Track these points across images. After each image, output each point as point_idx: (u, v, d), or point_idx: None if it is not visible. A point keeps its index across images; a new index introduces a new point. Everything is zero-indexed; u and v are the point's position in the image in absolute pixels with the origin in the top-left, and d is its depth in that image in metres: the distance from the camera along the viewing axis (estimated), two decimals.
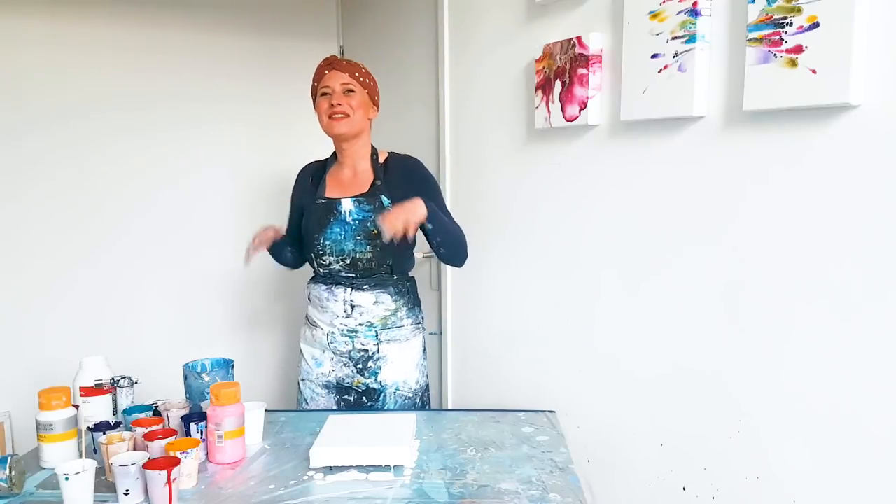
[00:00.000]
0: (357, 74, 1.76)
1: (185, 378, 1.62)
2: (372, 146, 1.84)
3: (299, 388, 1.89)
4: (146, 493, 1.23)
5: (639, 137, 1.53)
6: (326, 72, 1.76)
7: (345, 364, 1.81)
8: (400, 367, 1.82)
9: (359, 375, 1.81)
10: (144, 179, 2.54)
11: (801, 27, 1.12)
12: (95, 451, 1.41)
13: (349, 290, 1.78)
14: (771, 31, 1.17)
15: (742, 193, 1.30)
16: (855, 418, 1.15)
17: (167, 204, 2.59)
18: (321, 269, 1.82)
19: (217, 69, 2.65)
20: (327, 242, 1.77)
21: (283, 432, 1.59)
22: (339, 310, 1.79)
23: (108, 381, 1.57)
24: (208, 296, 2.72)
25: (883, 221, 1.09)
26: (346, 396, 1.83)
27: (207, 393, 1.53)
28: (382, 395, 1.81)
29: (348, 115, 1.74)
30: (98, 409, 1.53)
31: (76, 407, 1.48)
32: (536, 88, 1.77)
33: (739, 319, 1.33)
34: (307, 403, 1.86)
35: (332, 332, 1.81)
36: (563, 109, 1.68)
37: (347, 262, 1.77)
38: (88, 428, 1.44)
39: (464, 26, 2.12)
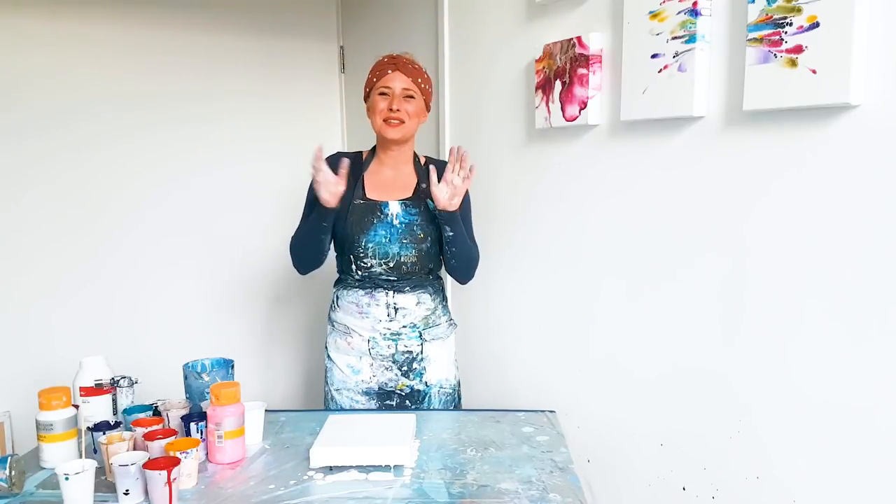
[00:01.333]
0: (420, 80, 1.73)
1: (185, 378, 1.62)
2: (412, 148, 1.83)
3: (331, 398, 1.83)
4: (146, 493, 1.23)
5: (639, 137, 1.53)
6: (389, 71, 1.71)
7: (387, 368, 1.78)
8: (442, 364, 1.82)
9: (403, 378, 1.79)
10: (145, 180, 2.54)
11: (801, 27, 1.12)
12: (95, 451, 1.41)
13: (391, 292, 1.75)
14: (771, 31, 1.17)
15: (742, 193, 1.30)
16: (855, 418, 1.15)
17: (168, 204, 2.59)
18: (360, 273, 1.75)
19: (217, 69, 2.65)
20: (370, 245, 1.72)
21: (283, 432, 1.59)
22: (381, 314, 1.76)
23: (108, 381, 1.57)
24: (209, 296, 2.72)
25: (883, 221, 1.09)
26: (388, 402, 1.80)
27: (207, 393, 1.53)
28: (427, 395, 1.80)
29: (403, 122, 1.71)
30: (98, 409, 1.53)
31: (76, 407, 1.48)
32: (536, 88, 1.77)
33: (739, 319, 1.33)
34: None
35: (374, 338, 1.77)
36: (563, 109, 1.68)
37: (391, 265, 1.73)
38: (88, 428, 1.44)
39: (464, 26, 2.12)
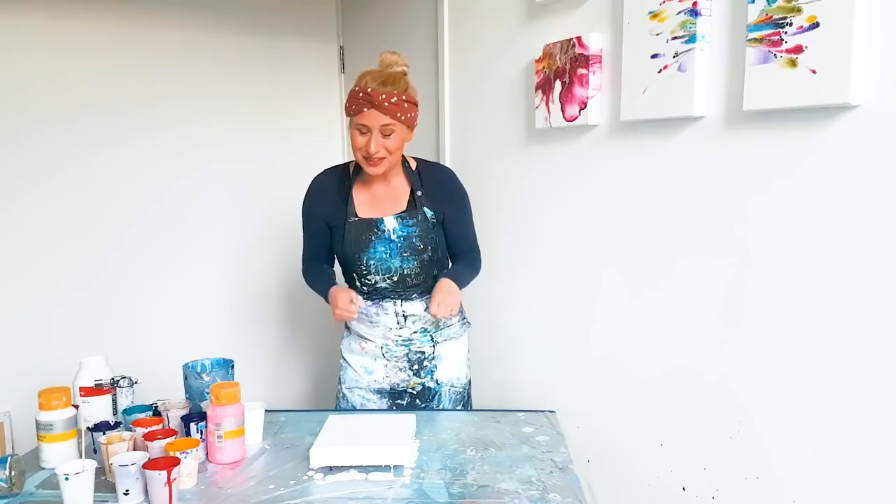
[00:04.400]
0: (399, 114, 1.58)
1: (185, 378, 1.62)
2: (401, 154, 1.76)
3: (344, 396, 1.84)
4: (146, 493, 1.23)
5: (639, 137, 1.53)
6: (365, 109, 1.57)
7: (401, 369, 1.79)
8: (453, 363, 1.82)
9: (415, 377, 1.80)
10: (145, 179, 2.54)
11: (801, 27, 1.12)
12: (95, 451, 1.41)
13: (399, 301, 1.75)
14: (771, 31, 1.17)
15: (742, 193, 1.30)
16: (855, 418, 1.15)
17: (169, 204, 2.59)
18: (365, 288, 1.75)
19: (217, 69, 2.65)
20: (371, 262, 1.71)
21: (283, 432, 1.59)
22: (391, 322, 1.76)
23: (108, 381, 1.57)
24: (209, 296, 2.72)
25: (883, 221, 1.09)
26: (399, 401, 1.81)
27: (207, 393, 1.53)
28: (438, 393, 1.81)
29: (386, 158, 1.62)
30: (98, 409, 1.53)
31: (76, 407, 1.48)
32: (536, 88, 1.77)
33: (739, 319, 1.33)
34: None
35: (387, 343, 1.78)
36: (562, 109, 1.68)
37: (395, 278, 1.72)
38: (88, 428, 1.44)
39: (464, 26, 2.12)
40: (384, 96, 1.57)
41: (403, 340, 1.78)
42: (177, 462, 1.23)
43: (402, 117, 1.60)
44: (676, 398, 1.49)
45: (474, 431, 1.58)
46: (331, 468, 1.36)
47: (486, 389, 2.11)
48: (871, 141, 1.09)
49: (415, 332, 1.77)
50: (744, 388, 1.33)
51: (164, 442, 1.32)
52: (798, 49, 1.13)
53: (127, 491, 1.23)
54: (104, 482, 1.32)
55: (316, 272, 1.81)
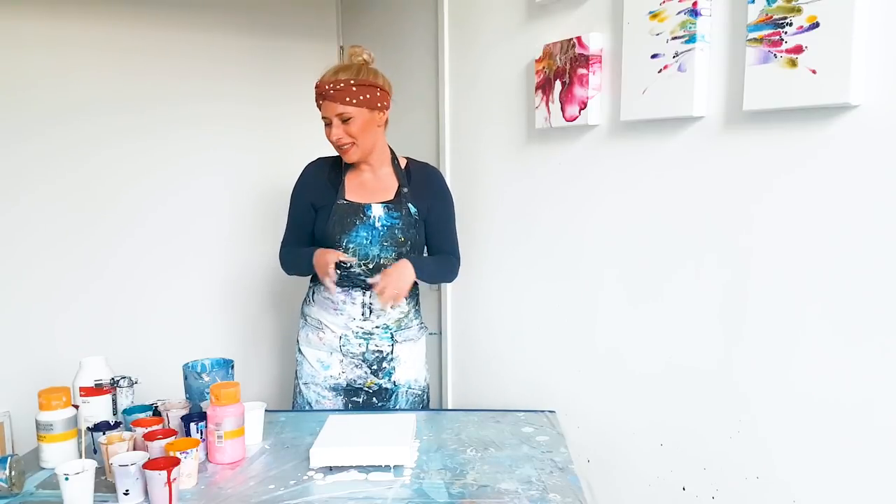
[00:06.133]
0: (348, 98, 1.66)
1: (185, 378, 1.62)
2: (390, 148, 1.82)
3: (299, 391, 1.86)
4: (146, 493, 1.23)
5: (639, 137, 1.53)
6: (320, 102, 1.70)
7: (357, 366, 1.80)
8: (412, 366, 1.84)
9: (372, 376, 1.81)
10: (146, 181, 2.54)
11: (801, 27, 1.12)
12: (95, 451, 1.41)
13: (368, 292, 1.77)
14: (771, 31, 1.17)
15: (742, 193, 1.30)
16: (855, 418, 1.15)
17: (168, 205, 2.60)
18: (338, 271, 1.76)
19: (217, 70, 2.65)
20: (351, 245, 1.74)
21: (283, 432, 1.59)
22: (356, 312, 1.78)
23: (108, 381, 1.57)
24: (209, 296, 2.72)
25: (883, 221, 1.09)
26: (355, 398, 1.82)
27: (207, 393, 1.53)
28: (395, 394, 1.82)
29: (354, 143, 1.70)
30: (98, 409, 1.53)
31: (76, 407, 1.48)
32: (536, 88, 1.77)
33: (738, 318, 1.33)
34: (311, 407, 1.85)
35: (346, 335, 1.79)
36: (562, 109, 1.68)
37: (370, 266, 1.75)
38: (88, 428, 1.44)
39: (464, 26, 2.12)
40: (329, 86, 1.67)
41: (364, 333, 1.79)
42: (177, 462, 1.23)
43: (354, 101, 1.67)
44: (676, 398, 1.49)
45: (474, 431, 1.58)
46: (331, 468, 1.36)
47: (486, 389, 2.11)
48: (871, 141, 1.09)
49: (377, 327, 1.79)
50: (744, 388, 1.33)
51: (164, 442, 1.32)
52: (798, 49, 1.13)
53: (127, 491, 1.23)
54: (104, 482, 1.32)
55: (294, 250, 1.84)
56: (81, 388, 1.53)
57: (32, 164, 2.34)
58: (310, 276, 1.88)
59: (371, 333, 1.79)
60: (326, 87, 1.67)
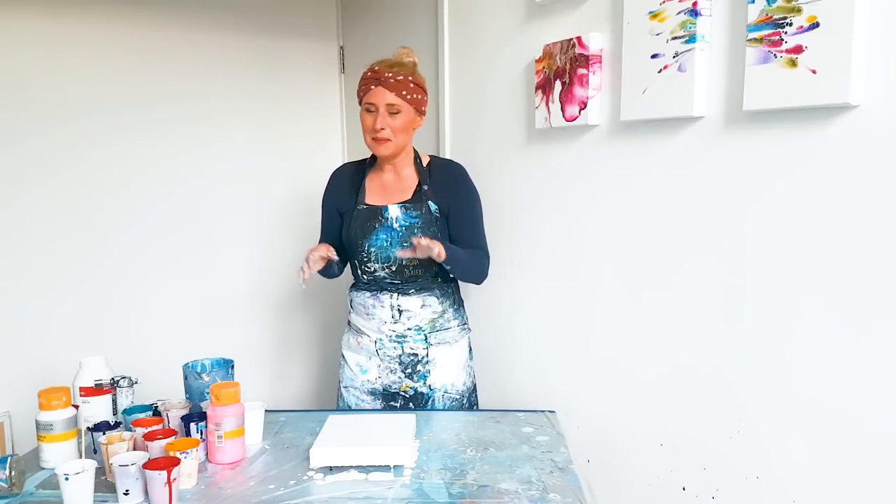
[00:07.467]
0: (405, 92, 1.66)
1: (185, 378, 1.62)
2: (413, 148, 1.82)
3: (341, 394, 1.86)
4: (146, 493, 1.23)
5: (639, 137, 1.53)
6: (372, 87, 1.66)
7: (392, 370, 1.80)
8: (449, 369, 1.81)
9: (407, 380, 1.79)
10: (145, 180, 2.54)
11: (801, 27, 1.12)
12: (95, 451, 1.41)
13: (395, 294, 1.76)
14: (771, 31, 1.17)
15: (742, 193, 1.30)
16: (855, 418, 1.15)
17: (168, 204, 2.59)
18: (365, 276, 1.78)
19: (217, 69, 2.65)
20: (372, 249, 1.74)
21: (283, 432, 1.59)
22: (386, 315, 1.77)
23: (108, 381, 1.57)
24: (209, 296, 2.72)
25: (883, 221, 1.09)
26: (392, 403, 1.81)
27: (207, 393, 1.53)
28: (431, 399, 1.80)
29: (391, 139, 1.68)
30: (98, 409, 1.53)
31: (76, 407, 1.48)
32: (536, 88, 1.77)
33: (739, 319, 1.33)
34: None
35: (381, 339, 1.79)
36: (562, 109, 1.68)
37: (393, 268, 1.74)
38: (88, 428, 1.44)
39: (464, 26, 2.12)
40: (390, 74, 1.65)
41: (397, 336, 1.78)
42: (177, 462, 1.23)
43: (409, 97, 1.67)
44: (677, 398, 1.49)
45: (474, 431, 1.58)
46: (331, 468, 1.36)
47: (486, 389, 2.11)
48: (871, 141, 1.09)
49: (409, 329, 1.78)
50: (744, 388, 1.33)
51: (164, 442, 1.32)
52: (798, 49, 1.13)
53: (127, 491, 1.23)
54: (104, 482, 1.32)
55: None
56: (81, 388, 1.53)
57: (32, 164, 2.33)
58: (350, 283, 1.88)
59: (404, 336, 1.78)
60: (386, 74, 1.65)
